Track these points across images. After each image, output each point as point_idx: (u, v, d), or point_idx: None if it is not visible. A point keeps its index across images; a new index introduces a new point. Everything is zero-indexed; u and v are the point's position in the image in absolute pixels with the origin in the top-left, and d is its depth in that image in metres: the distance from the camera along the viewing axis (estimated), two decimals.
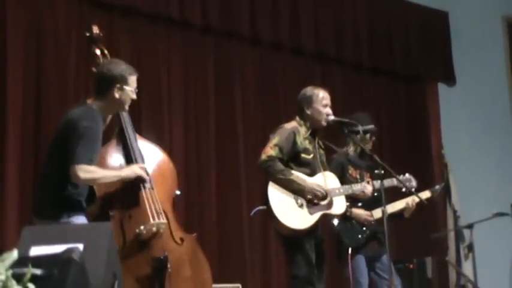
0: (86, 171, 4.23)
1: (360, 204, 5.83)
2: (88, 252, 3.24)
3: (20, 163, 6.00)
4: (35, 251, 3.28)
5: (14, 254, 2.87)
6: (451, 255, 8.60)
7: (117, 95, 4.40)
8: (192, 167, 7.04)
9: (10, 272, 2.81)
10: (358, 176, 5.93)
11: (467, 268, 8.14)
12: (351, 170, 5.96)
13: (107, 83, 4.40)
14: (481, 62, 9.33)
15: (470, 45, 9.32)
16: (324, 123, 5.46)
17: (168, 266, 4.49)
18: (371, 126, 5.89)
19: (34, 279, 2.86)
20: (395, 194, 5.92)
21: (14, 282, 2.80)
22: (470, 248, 7.06)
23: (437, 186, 6.33)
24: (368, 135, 5.92)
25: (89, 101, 4.44)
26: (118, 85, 4.40)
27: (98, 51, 4.88)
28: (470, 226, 6.89)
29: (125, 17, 6.83)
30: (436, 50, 9.22)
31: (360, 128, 5.51)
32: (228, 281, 6.44)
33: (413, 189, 5.81)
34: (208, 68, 7.42)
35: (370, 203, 5.75)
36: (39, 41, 6.33)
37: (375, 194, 5.69)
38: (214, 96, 7.39)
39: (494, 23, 9.71)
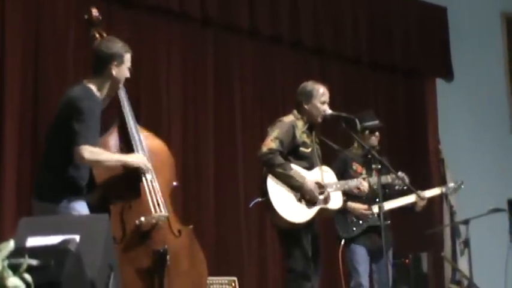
0: (91, 152, 4.23)
1: (363, 197, 5.86)
2: (84, 243, 3.23)
3: (18, 152, 5.97)
4: (32, 241, 3.26)
5: (11, 245, 2.85)
6: (447, 251, 8.59)
7: (114, 73, 4.44)
8: (190, 159, 7.02)
9: (6, 262, 2.79)
10: (364, 172, 5.93)
11: (463, 264, 8.12)
12: (355, 166, 5.97)
13: (105, 61, 4.44)
14: (479, 58, 9.31)
15: (469, 41, 9.30)
16: (319, 120, 5.48)
17: (168, 258, 4.46)
18: (372, 123, 5.95)
19: (30, 269, 2.85)
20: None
21: (10, 272, 2.79)
22: (466, 243, 7.02)
23: (451, 184, 6.33)
24: (367, 132, 5.95)
25: (86, 81, 4.46)
26: (115, 62, 4.45)
27: (97, 35, 4.87)
28: (466, 222, 6.87)
29: (125, 8, 6.80)
30: (434, 45, 9.20)
31: (358, 124, 5.51)
32: (224, 274, 6.42)
33: (404, 187, 5.85)
34: (208, 61, 7.39)
35: (374, 197, 5.74)
36: (38, 31, 6.29)
37: (386, 190, 5.78)
38: (213, 89, 7.36)
39: (493, 18, 9.69)
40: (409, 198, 5.99)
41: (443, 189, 6.30)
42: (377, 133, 6.11)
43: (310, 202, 5.29)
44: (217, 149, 7.26)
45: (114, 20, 6.66)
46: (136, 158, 4.55)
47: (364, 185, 5.61)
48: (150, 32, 7.00)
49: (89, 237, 3.34)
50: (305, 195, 5.27)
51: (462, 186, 6.33)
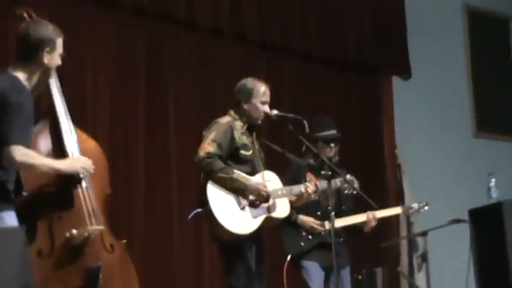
0: (23, 154, 4.08)
1: (318, 213, 5.91)
2: None
3: None
4: None
5: None
6: (404, 265, 8.64)
7: (45, 60, 4.28)
8: (119, 164, 6.90)
9: None
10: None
11: (420, 279, 8.19)
12: (310, 177, 5.97)
13: (34, 47, 4.27)
14: (439, 54, 9.39)
15: (428, 35, 9.36)
16: (259, 122, 5.50)
17: (100, 277, 4.41)
18: (327, 133, 6.00)
19: None
20: (358, 206, 6.02)
21: None
22: (424, 257, 7.11)
23: (414, 205, 6.34)
24: (320, 143, 5.95)
25: (11, 69, 4.26)
26: (47, 48, 4.28)
27: (25, 14, 4.76)
28: (424, 233, 6.94)
29: None
30: (390, 39, 9.21)
31: (306, 126, 5.47)
32: None
33: (353, 192, 5.89)
34: (139, 54, 7.34)
35: (327, 213, 5.72)
36: None
37: (343, 208, 5.93)
38: (145, 85, 7.30)
39: (454, 10, 9.79)
40: (361, 217, 6.02)
41: (404, 209, 6.33)
42: (332, 144, 6.08)
43: (257, 202, 5.27)
44: (148, 153, 7.20)
45: (35, 6, 6.51)
46: (72, 164, 4.45)
47: (310, 187, 5.57)
48: (74, 20, 6.88)
49: (0, 256, 3.24)
50: (252, 194, 5.25)
51: (426, 208, 6.32)
